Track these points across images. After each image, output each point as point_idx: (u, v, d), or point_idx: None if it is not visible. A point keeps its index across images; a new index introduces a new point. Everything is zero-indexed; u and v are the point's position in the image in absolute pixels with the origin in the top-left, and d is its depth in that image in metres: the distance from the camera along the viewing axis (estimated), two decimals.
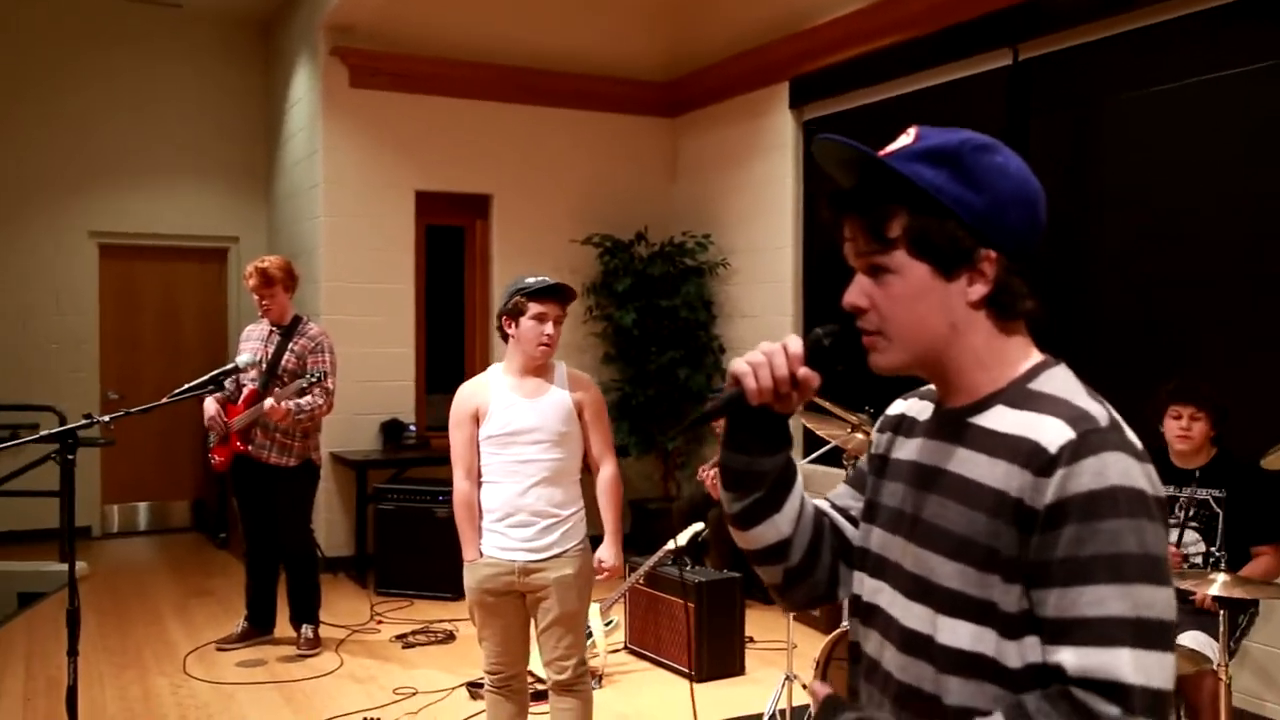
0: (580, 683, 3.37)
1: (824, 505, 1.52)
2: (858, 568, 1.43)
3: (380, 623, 5.95)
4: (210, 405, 5.21)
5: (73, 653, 3.09)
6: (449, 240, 7.77)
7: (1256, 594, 3.38)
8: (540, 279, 3.31)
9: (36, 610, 6.33)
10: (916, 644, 1.29)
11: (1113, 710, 1.12)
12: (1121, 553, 1.15)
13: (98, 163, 8.31)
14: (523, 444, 3.27)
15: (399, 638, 5.63)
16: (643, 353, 7.43)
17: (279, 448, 5.21)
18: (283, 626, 5.56)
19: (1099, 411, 1.23)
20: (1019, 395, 1.28)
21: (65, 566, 7.41)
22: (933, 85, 5.89)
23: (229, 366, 4.37)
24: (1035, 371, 1.31)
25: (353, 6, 6.74)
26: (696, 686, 4.46)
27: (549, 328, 3.27)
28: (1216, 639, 3.59)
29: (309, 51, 7.42)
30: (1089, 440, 1.19)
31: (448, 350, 7.79)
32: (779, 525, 1.43)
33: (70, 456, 3.10)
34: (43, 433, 3.25)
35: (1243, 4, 4.41)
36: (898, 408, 1.49)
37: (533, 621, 3.37)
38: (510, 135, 7.63)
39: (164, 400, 3.62)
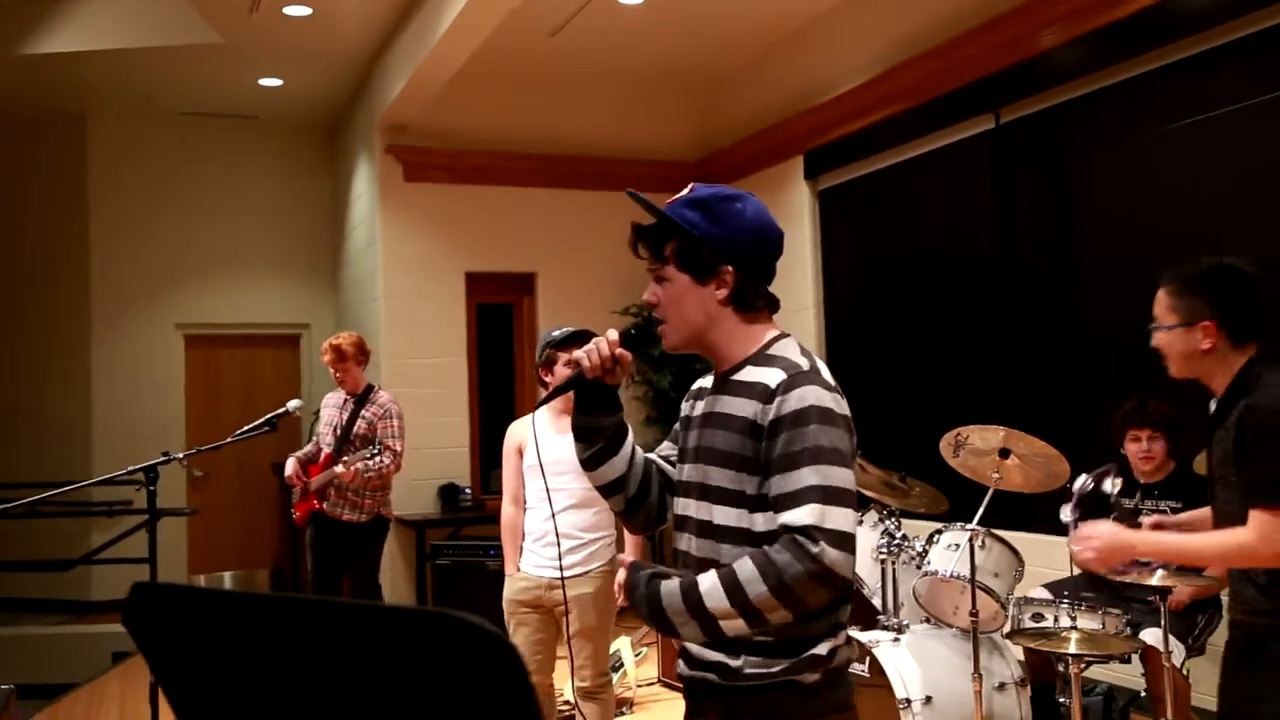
0: (601, 691, 3.80)
1: (653, 456, 2.12)
2: (676, 495, 2.02)
3: None
4: (291, 464, 5.79)
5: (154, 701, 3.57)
6: (498, 316, 8.39)
7: (1190, 583, 3.71)
8: (564, 329, 3.82)
9: (127, 665, 6.97)
10: (705, 529, 1.90)
11: (812, 545, 1.71)
12: (815, 446, 1.77)
13: (183, 262, 9.15)
14: (553, 474, 3.71)
15: None
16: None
17: (351, 505, 5.73)
18: None
19: (804, 362, 1.87)
20: (760, 358, 1.92)
21: None
22: (928, 150, 6.39)
23: (280, 411, 4.66)
24: (771, 343, 1.94)
25: (403, 108, 7.47)
26: None
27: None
28: (1181, 639, 3.92)
29: (367, 151, 8.19)
30: (795, 379, 1.83)
31: (499, 418, 8.36)
32: (616, 465, 2.03)
33: (152, 488, 3.60)
34: (130, 467, 3.77)
35: (1209, 53, 4.79)
36: (696, 384, 2.10)
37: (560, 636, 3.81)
38: (552, 217, 8.27)
39: (228, 440, 4.17)
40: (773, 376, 1.84)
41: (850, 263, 7.19)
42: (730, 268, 1.90)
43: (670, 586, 1.80)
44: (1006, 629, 3.83)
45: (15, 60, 7.64)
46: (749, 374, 1.88)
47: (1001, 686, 3.88)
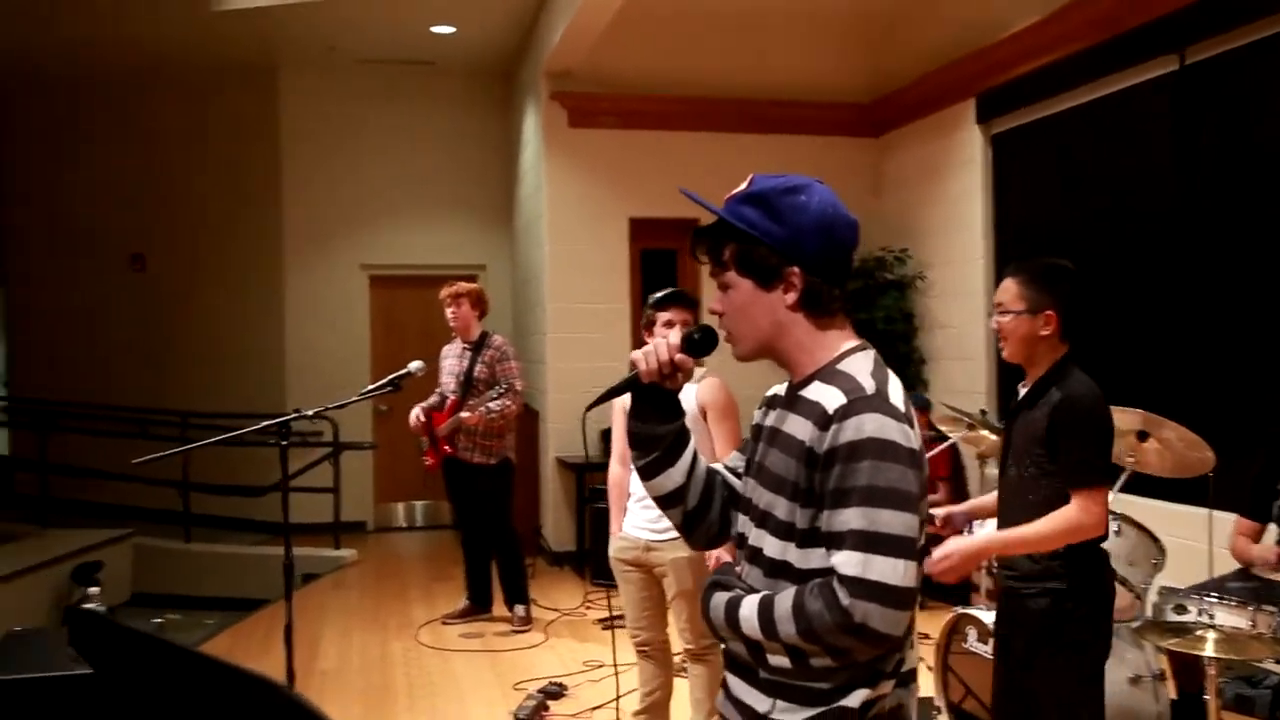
0: (708, 653, 3.82)
1: (718, 466, 1.98)
2: (738, 510, 1.89)
3: (588, 608, 6.63)
4: (415, 414, 6.06)
5: (289, 595, 3.84)
6: (662, 262, 8.41)
7: None
8: (665, 290, 3.81)
9: (312, 587, 7.47)
10: (755, 556, 1.77)
11: (843, 593, 1.58)
12: (868, 486, 1.60)
13: (367, 205, 9.59)
14: None
15: (601, 621, 6.28)
16: None
17: (480, 449, 6.00)
18: (502, 607, 6.34)
19: (870, 384, 1.68)
20: (828, 373, 1.73)
21: (338, 552, 8.62)
22: (1106, 94, 5.96)
23: (403, 371, 4.61)
24: (844, 355, 1.76)
25: (566, 53, 7.51)
26: None
27: (675, 332, 3.77)
28: None
29: (534, 97, 8.30)
30: (855, 405, 1.65)
31: None
32: (674, 477, 1.87)
33: (284, 443, 3.82)
34: (264, 423, 4.01)
35: None
36: (771, 390, 1.93)
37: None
38: (717, 162, 8.17)
39: (354, 399, 4.37)
40: (832, 399, 1.65)
41: (1022, 213, 6.83)
42: (797, 269, 1.71)
43: (719, 599, 1.75)
44: (1139, 621, 3.63)
45: (212, 16, 8.09)
46: (813, 391, 1.71)
47: (1137, 679, 3.70)
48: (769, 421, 1.84)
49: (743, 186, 1.79)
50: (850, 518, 1.60)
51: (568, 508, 7.99)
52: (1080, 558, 2.74)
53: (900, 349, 7.76)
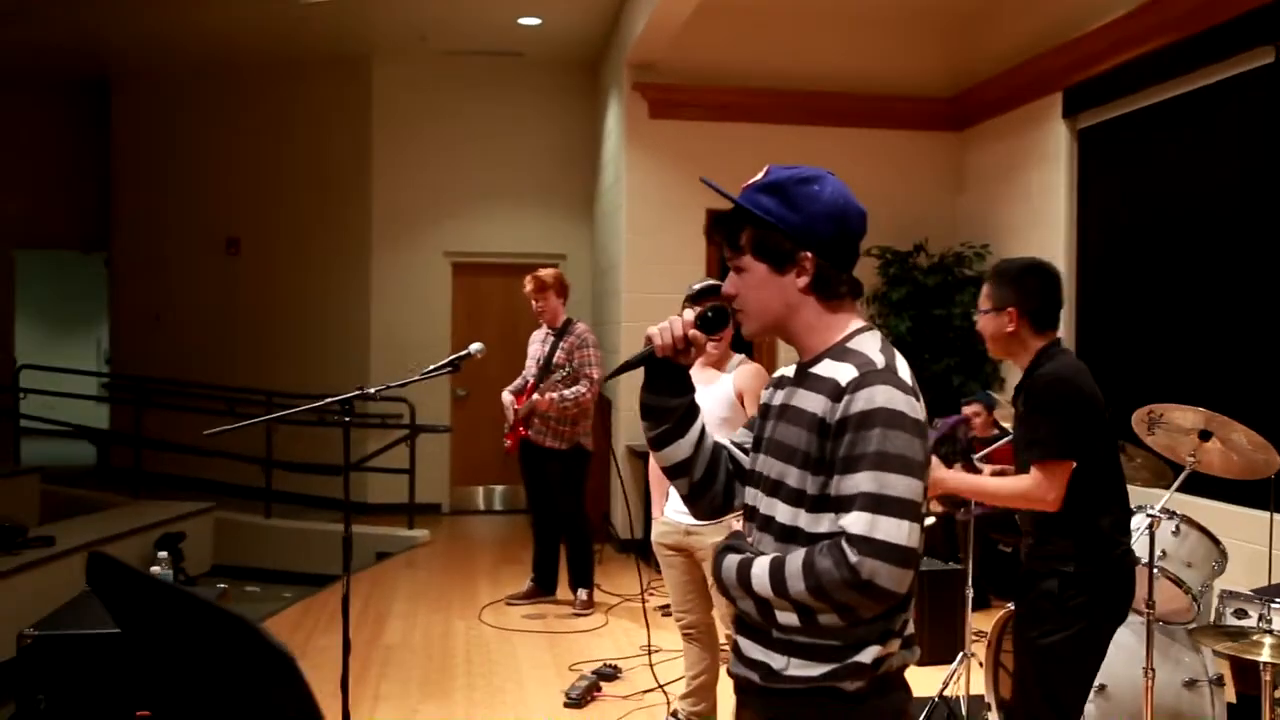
0: None
1: (725, 442, 2.04)
2: (746, 484, 1.96)
3: (650, 594, 6.66)
4: (506, 397, 6.17)
5: (346, 569, 3.95)
6: None
7: None
8: (703, 281, 3.83)
9: (385, 564, 7.66)
10: (766, 524, 1.84)
11: (852, 554, 1.66)
12: (878, 451, 1.68)
13: (452, 193, 9.77)
14: None
15: (661, 608, 6.31)
16: (916, 360, 7.66)
17: (553, 434, 6.07)
18: (566, 590, 6.41)
19: (880, 359, 1.77)
20: (838, 351, 1.82)
21: (411, 532, 8.80)
22: (1199, 87, 5.78)
23: (464, 353, 4.36)
24: (853, 335, 1.84)
25: (649, 45, 7.55)
26: None
27: (689, 311, 3.78)
28: None
29: (617, 88, 8.36)
30: (866, 377, 1.74)
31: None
32: (683, 448, 1.96)
33: (346, 419, 3.91)
34: (329, 398, 4.09)
35: None
36: (779, 372, 2.00)
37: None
38: (795, 155, 8.03)
39: (414, 378, 4.42)
40: (845, 373, 1.76)
41: (1107, 210, 6.66)
42: (810, 254, 1.81)
43: (731, 560, 1.82)
44: (1195, 624, 3.53)
45: (307, 8, 8.33)
46: (825, 368, 1.80)
47: (1192, 683, 3.60)
48: (778, 400, 1.92)
49: (759, 176, 1.87)
50: (860, 481, 1.69)
51: (637, 495, 8.02)
52: (1092, 546, 2.82)
53: (979, 346, 7.61)
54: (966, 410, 6.31)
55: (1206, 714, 3.60)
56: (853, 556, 1.65)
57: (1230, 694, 3.73)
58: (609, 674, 5.04)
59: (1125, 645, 3.54)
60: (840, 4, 7.89)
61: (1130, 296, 6.39)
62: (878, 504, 1.67)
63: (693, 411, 1.97)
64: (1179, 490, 3.51)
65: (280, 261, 10.29)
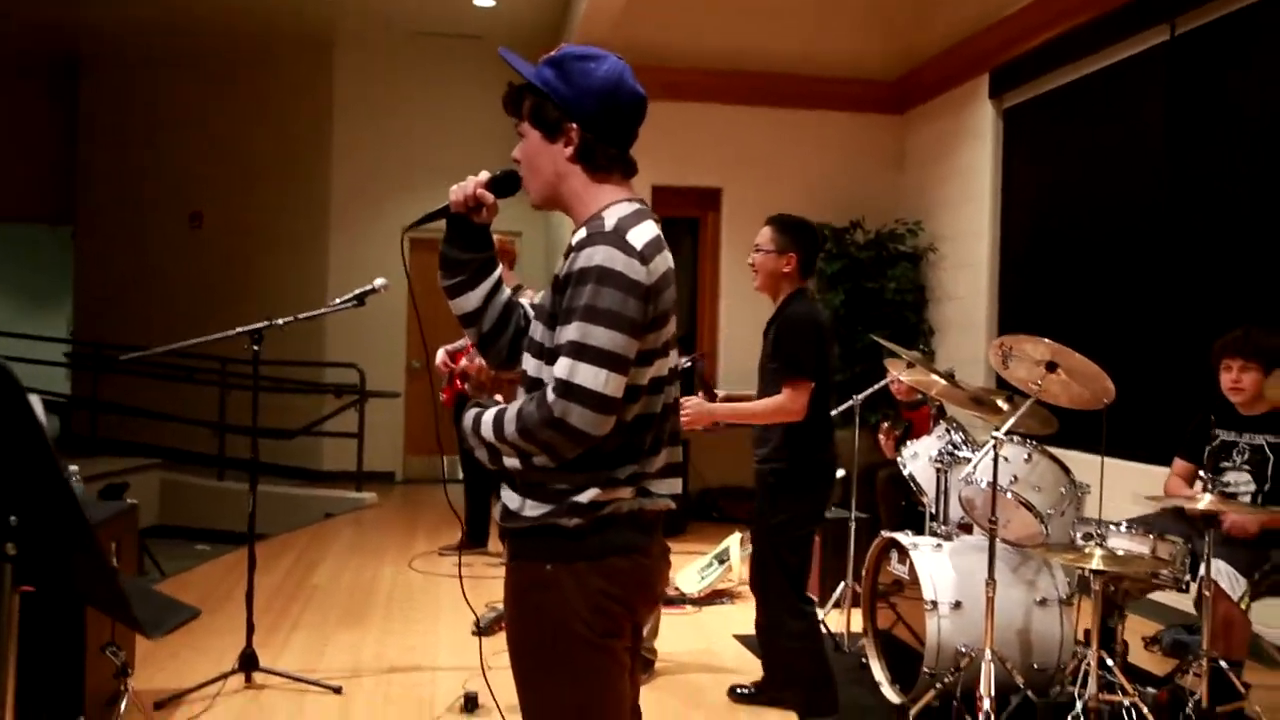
0: None
1: (523, 302, 2.21)
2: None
3: None
4: (440, 354, 6.37)
5: (253, 495, 4.14)
6: (682, 231, 8.62)
7: (1254, 514, 3.52)
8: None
9: (332, 521, 7.83)
10: (524, 379, 2.01)
11: (550, 394, 1.81)
12: (586, 305, 1.82)
13: (410, 172, 9.96)
14: None
15: None
16: (850, 331, 7.87)
17: (485, 390, 6.25)
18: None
19: (611, 224, 1.89)
20: (590, 220, 1.95)
21: (358, 494, 8.99)
22: (1106, 65, 6.03)
23: (368, 288, 4.83)
24: (610, 205, 1.96)
25: (594, 24, 7.74)
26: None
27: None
28: (1242, 573, 3.72)
29: None
30: (591, 238, 1.87)
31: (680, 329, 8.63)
32: (472, 299, 2.12)
33: (255, 348, 4.11)
34: (239, 329, 4.29)
35: None
36: (568, 242, 2.15)
37: None
38: (741, 135, 8.36)
39: (317, 312, 4.67)
40: (576, 235, 1.90)
41: (1027, 185, 6.90)
42: (575, 125, 1.93)
43: (470, 413, 2.00)
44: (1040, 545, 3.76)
45: None
46: (576, 235, 1.92)
47: (1044, 602, 3.82)
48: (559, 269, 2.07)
49: (552, 52, 2.02)
50: (569, 331, 1.82)
51: None
52: (794, 447, 3.56)
53: (910, 319, 7.86)
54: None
55: (1055, 632, 3.82)
56: (550, 397, 1.80)
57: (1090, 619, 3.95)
58: None
59: (979, 566, 3.77)
60: None
61: (1047, 266, 6.63)
62: (579, 352, 1.80)
63: (487, 267, 2.12)
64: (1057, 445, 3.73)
65: (241, 236, 10.49)
